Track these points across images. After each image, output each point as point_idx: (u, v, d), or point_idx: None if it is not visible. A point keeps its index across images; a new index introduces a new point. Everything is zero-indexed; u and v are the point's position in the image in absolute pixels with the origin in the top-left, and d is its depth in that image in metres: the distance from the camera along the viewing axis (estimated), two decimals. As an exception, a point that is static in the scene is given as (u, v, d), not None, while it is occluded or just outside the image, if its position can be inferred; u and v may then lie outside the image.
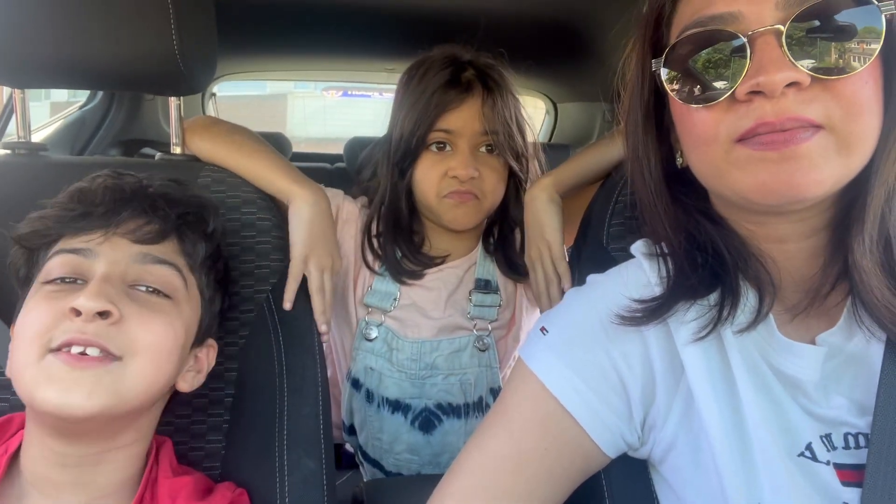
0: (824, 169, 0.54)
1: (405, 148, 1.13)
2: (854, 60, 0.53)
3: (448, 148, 1.13)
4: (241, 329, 0.91)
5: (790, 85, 0.53)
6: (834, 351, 0.60)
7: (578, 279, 0.83)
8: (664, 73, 0.61)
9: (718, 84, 0.57)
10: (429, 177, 1.13)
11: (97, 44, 0.88)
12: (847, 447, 0.59)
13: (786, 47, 0.53)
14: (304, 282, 0.97)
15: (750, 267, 0.62)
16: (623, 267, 0.72)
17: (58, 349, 0.65)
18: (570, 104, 2.64)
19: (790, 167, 0.54)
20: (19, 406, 0.81)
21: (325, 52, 2.35)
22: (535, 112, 2.90)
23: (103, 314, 0.66)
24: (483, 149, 1.14)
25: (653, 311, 0.63)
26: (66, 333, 0.65)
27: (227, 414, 0.88)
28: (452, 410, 1.18)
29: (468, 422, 1.18)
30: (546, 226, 1.02)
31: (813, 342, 0.61)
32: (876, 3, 0.52)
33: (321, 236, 0.98)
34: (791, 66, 0.53)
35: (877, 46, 0.52)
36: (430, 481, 0.68)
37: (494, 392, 1.19)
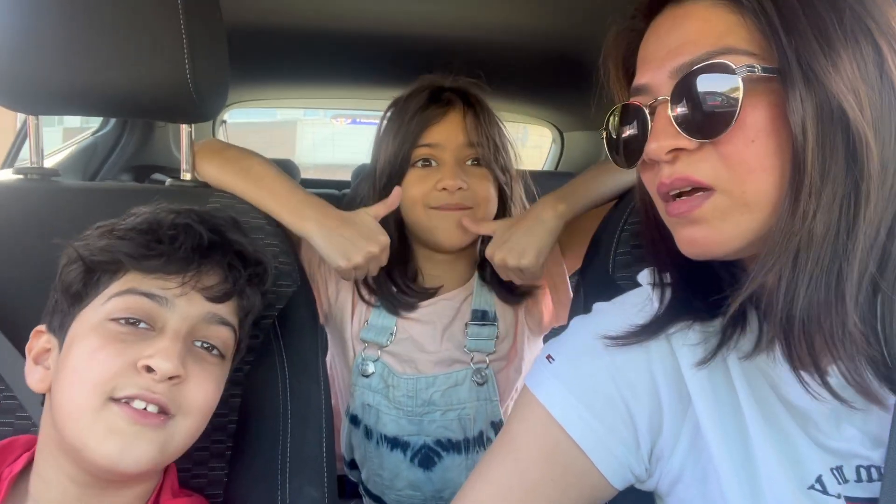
0: (724, 229, 0.56)
1: (390, 171, 1.13)
2: (731, 118, 0.53)
3: (434, 164, 1.13)
4: (246, 355, 0.91)
5: (679, 150, 0.57)
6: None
7: (584, 307, 0.83)
8: (606, 139, 0.67)
9: (637, 150, 0.62)
10: (416, 190, 1.12)
11: (111, 71, 0.90)
12: (859, 480, 0.58)
13: (671, 115, 0.56)
14: (311, 303, 0.97)
15: (754, 294, 0.62)
16: (629, 295, 0.72)
17: (118, 399, 0.65)
18: (576, 133, 2.66)
19: (693, 230, 0.58)
20: (23, 430, 0.81)
21: (334, 80, 2.38)
22: (541, 140, 2.93)
23: (173, 377, 0.67)
24: (469, 162, 1.14)
25: (654, 325, 0.64)
26: (133, 388, 0.65)
27: (230, 440, 0.87)
28: (452, 446, 1.16)
29: (469, 457, 1.16)
30: (529, 249, 1.03)
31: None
32: (733, 65, 0.53)
33: (342, 243, 1.00)
34: (673, 134, 0.56)
35: (735, 107, 0.53)
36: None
37: (495, 426, 1.16)
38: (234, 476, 0.85)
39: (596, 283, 0.87)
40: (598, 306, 0.73)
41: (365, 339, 1.17)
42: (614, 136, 0.66)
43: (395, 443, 1.16)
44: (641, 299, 0.69)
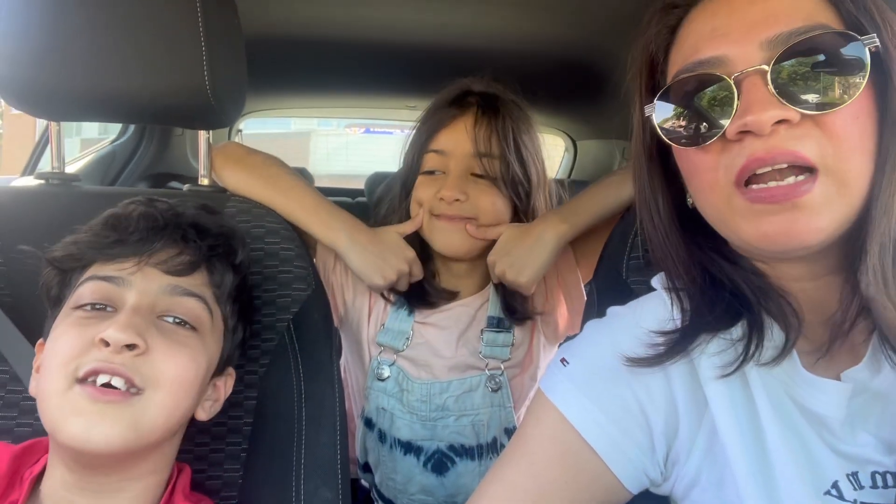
0: (826, 215, 0.54)
1: (405, 174, 1.15)
2: (842, 94, 0.53)
3: (442, 173, 1.12)
4: (261, 357, 0.92)
5: (780, 122, 0.54)
6: (860, 388, 0.59)
7: (597, 311, 0.83)
8: (657, 119, 0.63)
9: (710, 126, 0.58)
10: (419, 195, 1.13)
11: (131, 77, 0.91)
12: (875, 486, 0.58)
13: (772, 86, 0.54)
14: (325, 307, 0.98)
15: (772, 301, 0.62)
16: (644, 299, 0.72)
17: (84, 378, 0.66)
18: (589, 142, 2.67)
19: (792, 216, 0.54)
20: (42, 431, 0.82)
21: (348, 90, 2.41)
22: (554, 150, 2.93)
23: (131, 346, 0.67)
24: (478, 172, 1.11)
25: (675, 343, 0.63)
26: (93, 362, 0.66)
27: (245, 442, 0.88)
28: (466, 452, 1.15)
29: (482, 463, 1.16)
30: (527, 268, 1.05)
31: (838, 378, 0.60)
32: (859, 36, 0.53)
33: (375, 261, 1.05)
34: (778, 105, 0.54)
35: (862, 80, 0.53)
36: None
37: (509, 432, 1.16)
38: (249, 477, 0.85)
39: (609, 287, 0.87)
40: (613, 310, 0.72)
41: (381, 343, 1.17)
42: (672, 115, 0.61)
43: (408, 447, 1.16)
44: (657, 306, 0.68)
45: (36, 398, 0.70)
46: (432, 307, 1.17)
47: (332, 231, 1.05)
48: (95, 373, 0.66)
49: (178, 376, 0.70)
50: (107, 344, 0.66)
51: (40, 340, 0.78)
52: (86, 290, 0.73)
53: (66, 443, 0.65)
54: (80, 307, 0.72)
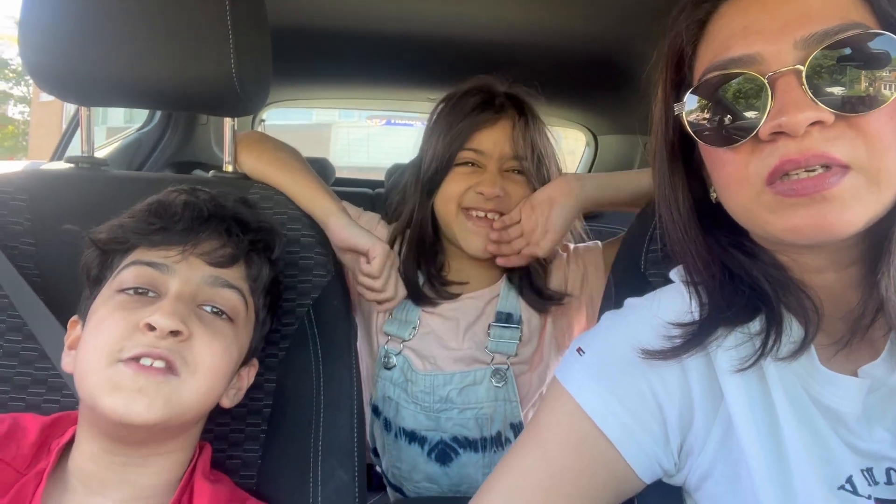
0: (856, 209, 0.53)
1: (436, 167, 1.15)
2: (880, 94, 0.52)
3: (477, 166, 1.14)
4: (281, 341, 0.93)
5: (814, 123, 0.53)
6: (877, 384, 0.59)
7: (616, 303, 0.83)
8: (687, 116, 0.62)
9: (741, 126, 0.57)
10: (453, 189, 1.14)
11: (160, 65, 0.93)
12: (889, 482, 0.57)
13: (807, 87, 0.53)
14: (344, 293, 1.00)
15: (792, 296, 0.62)
16: (663, 291, 0.72)
17: (126, 360, 0.68)
18: (610, 136, 2.65)
19: (822, 209, 0.54)
20: (69, 406, 0.85)
21: (371, 81, 2.41)
22: (576, 145, 2.92)
23: (175, 333, 0.69)
24: (512, 171, 1.15)
25: (692, 336, 0.63)
26: (138, 347, 0.68)
27: (265, 424, 0.90)
28: (469, 444, 1.16)
29: (486, 456, 1.16)
30: (550, 226, 1.08)
31: (855, 374, 0.60)
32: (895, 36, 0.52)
33: (364, 233, 1.05)
34: (813, 106, 0.53)
35: None
36: (458, 503, 0.68)
37: (515, 427, 1.16)
38: (268, 458, 0.87)
39: (627, 278, 0.87)
40: (630, 301, 0.73)
41: (388, 333, 1.19)
42: (702, 112, 0.61)
43: (412, 436, 1.17)
44: (675, 298, 0.68)
45: (73, 374, 0.72)
46: (437, 298, 1.18)
47: (326, 203, 1.05)
48: (140, 357, 0.68)
49: (213, 364, 0.73)
50: (152, 329, 0.69)
51: (74, 317, 0.80)
52: (129, 273, 0.75)
53: (106, 415, 0.67)
54: (122, 290, 0.74)
